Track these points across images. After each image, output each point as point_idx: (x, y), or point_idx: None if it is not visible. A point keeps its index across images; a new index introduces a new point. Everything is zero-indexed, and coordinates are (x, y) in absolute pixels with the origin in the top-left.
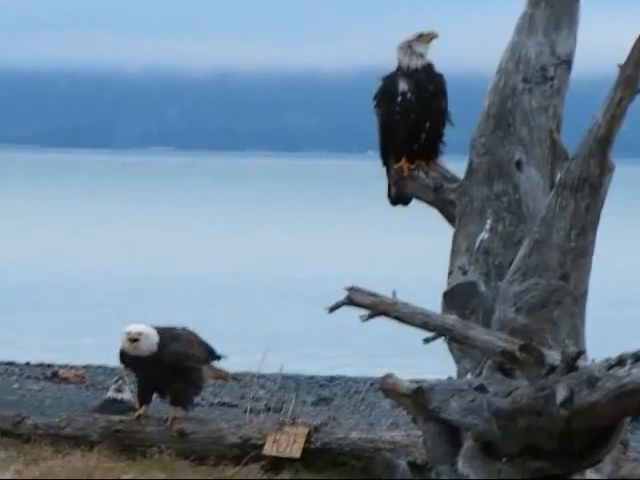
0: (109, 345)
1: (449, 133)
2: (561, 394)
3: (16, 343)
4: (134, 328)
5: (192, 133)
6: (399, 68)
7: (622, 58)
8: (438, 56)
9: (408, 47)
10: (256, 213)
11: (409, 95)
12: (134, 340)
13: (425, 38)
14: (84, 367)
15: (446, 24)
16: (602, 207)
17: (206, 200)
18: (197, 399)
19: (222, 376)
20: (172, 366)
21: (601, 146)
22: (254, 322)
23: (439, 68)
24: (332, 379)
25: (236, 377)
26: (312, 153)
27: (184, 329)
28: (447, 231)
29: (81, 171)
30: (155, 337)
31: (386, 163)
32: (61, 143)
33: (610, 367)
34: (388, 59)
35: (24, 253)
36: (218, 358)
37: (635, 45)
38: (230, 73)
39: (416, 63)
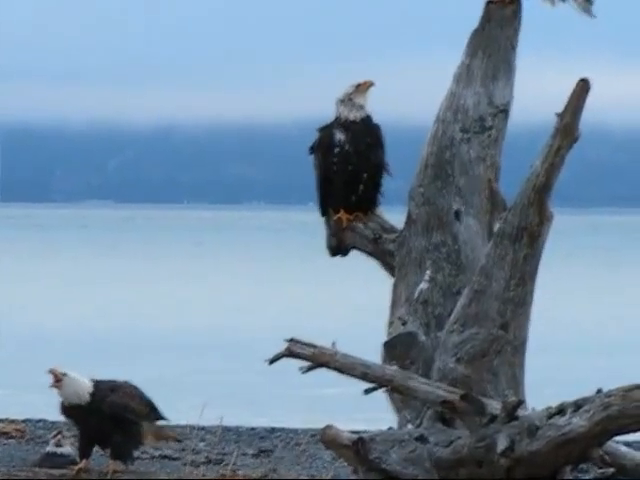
0: (49, 399)
1: (387, 183)
2: (502, 443)
3: None
4: (58, 368)
5: (132, 186)
6: (337, 119)
7: (560, 107)
8: (376, 106)
9: (348, 99)
10: (196, 265)
11: (346, 146)
12: (57, 380)
13: (362, 87)
14: (24, 421)
15: (385, 73)
16: (541, 256)
17: (144, 252)
18: (137, 452)
19: (166, 436)
20: (112, 418)
21: (539, 195)
22: (193, 374)
23: (376, 117)
24: (273, 430)
25: (179, 438)
26: (252, 204)
27: (126, 382)
28: (387, 282)
29: (17, 226)
30: (85, 386)
31: (325, 214)
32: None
33: (550, 416)
34: (328, 110)
35: None
36: (162, 418)
37: (572, 93)
38: (171, 125)
39: (355, 115)
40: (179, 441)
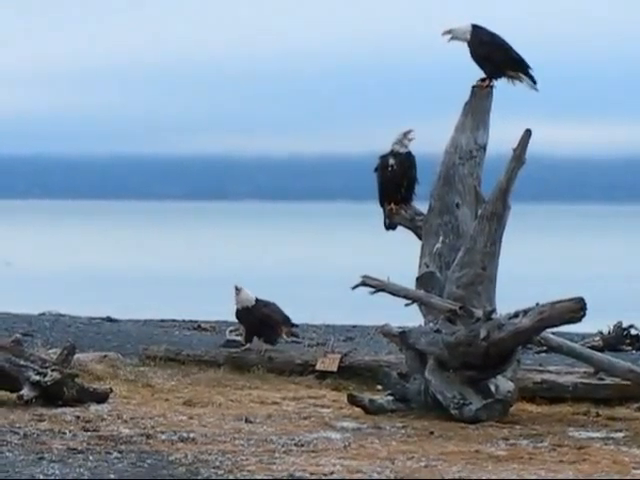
0: (229, 310)
1: (418, 188)
2: (482, 333)
3: (177, 309)
4: (238, 285)
5: (275, 191)
6: (391, 151)
7: (514, 144)
8: (416, 143)
9: (400, 141)
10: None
11: (395, 167)
12: (237, 290)
13: (408, 134)
14: (215, 322)
15: (418, 125)
16: (504, 229)
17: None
18: (278, 339)
19: (292, 333)
20: (261, 320)
21: (503, 194)
22: (307, 299)
23: (414, 149)
24: (354, 327)
25: (298, 334)
26: (344, 200)
27: (273, 303)
28: (417, 244)
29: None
30: (251, 297)
31: (382, 205)
32: (199, 197)
33: (510, 318)
34: (385, 145)
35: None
36: (293, 325)
37: (522, 136)
38: (295, 157)
39: (402, 150)
40: (296, 336)
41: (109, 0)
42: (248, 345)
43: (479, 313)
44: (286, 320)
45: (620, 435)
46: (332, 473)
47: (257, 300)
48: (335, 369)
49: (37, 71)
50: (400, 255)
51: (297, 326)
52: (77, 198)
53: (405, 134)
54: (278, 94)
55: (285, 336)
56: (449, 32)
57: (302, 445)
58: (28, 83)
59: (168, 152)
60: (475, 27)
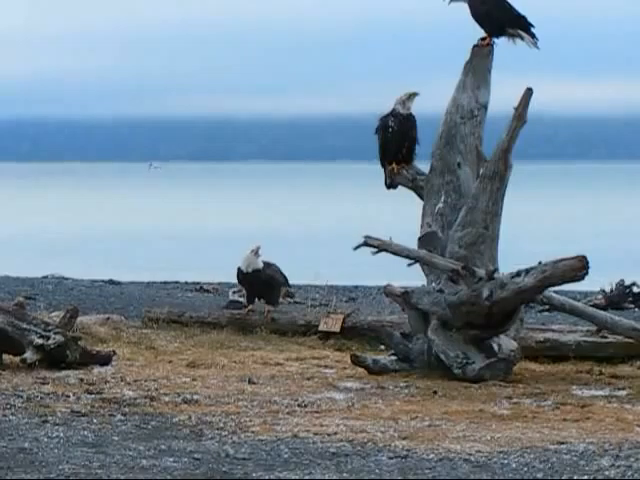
0: (231, 271)
1: (418, 148)
2: (485, 293)
3: (180, 271)
4: (256, 248)
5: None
6: (392, 111)
7: (515, 103)
8: (418, 103)
9: (403, 102)
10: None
11: (395, 128)
12: (256, 252)
13: (412, 96)
14: (218, 283)
15: (421, 86)
16: (506, 188)
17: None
18: (279, 300)
19: (289, 294)
20: (265, 282)
21: (504, 154)
22: (308, 262)
23: (416, 109)
24: (356, 287)
25: (293, 294)
26: (345, 161)
27: (274, 264)
28: (419, 204)
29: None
30: (261, 261)
31: (383, 165)
32: (204, 158)
33: (512, 277)
34: (386, 105)
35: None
36: (290, 285)
37: (523, 95)
38: (298, 118)
39: (403, 111)
40: (292, 297)
41: None
42: (251, 306)
43: (481, 272)
44: (285, 281)
45: (623, 393)
46: (336, 433)
47: (263, 263)
48: (338, 329)
49: (37, 34)
50: (402, 215)
51: (292, 287)
52: (81, 160)
53: (410, 95)
54: (280, 55)
55: (284, 295)
56: None
57: (305, 406)
58: (27, 46)
59: (173, 114)
60: None
